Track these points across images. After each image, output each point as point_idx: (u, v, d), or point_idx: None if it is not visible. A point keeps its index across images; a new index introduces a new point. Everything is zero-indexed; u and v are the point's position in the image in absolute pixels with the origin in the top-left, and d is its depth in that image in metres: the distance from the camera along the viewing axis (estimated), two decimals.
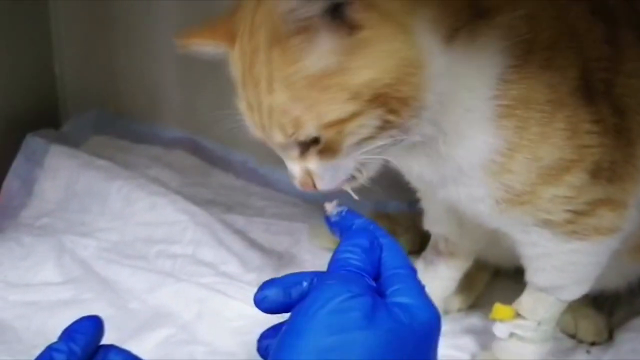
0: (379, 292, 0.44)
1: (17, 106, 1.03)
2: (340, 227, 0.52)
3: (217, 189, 1.05)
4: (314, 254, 0.88)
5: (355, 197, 0.57)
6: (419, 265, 0.75)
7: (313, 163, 0.53)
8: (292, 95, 0.49)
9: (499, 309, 0.65)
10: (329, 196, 0.55)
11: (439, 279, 0.74)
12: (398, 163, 0.60)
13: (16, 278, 0.79)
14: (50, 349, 0.44)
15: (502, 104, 0.53)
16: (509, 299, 0.66)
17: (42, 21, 1.10)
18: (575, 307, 0.71)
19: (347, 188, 0.56)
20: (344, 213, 0.52)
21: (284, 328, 0.42)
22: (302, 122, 0.49)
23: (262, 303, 0.47)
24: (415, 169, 0.60)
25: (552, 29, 0.53)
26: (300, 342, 0.39)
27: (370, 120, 0.49)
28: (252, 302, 0.48)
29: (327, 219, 0.53)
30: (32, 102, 1.08)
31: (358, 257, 0.46)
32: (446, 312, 0.78)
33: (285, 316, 0.45)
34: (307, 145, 0.52)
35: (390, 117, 0.49)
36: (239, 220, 0.95)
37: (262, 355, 0.48)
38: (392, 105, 0.49)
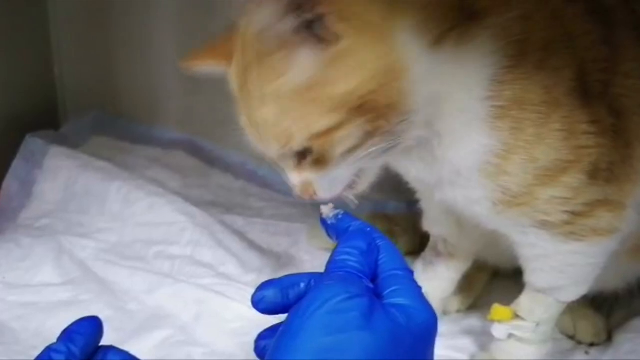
0: (376, 294, 0.44)
1: (16, 107, 1.03)
2: (336, 229, 0.52)
3: (216, 190, 1.06)
4: (312, 255, 0.88)
5: (356, 202, 0.58)
6: (418, 266, 0.75)
7: (310, 173, 0.54)
8: (280, 108, 0.50)
9: (498, 310, 0.65)
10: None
11: (438, 279, 0.74)
12: (396, 165, 0.60)
13: (15, 279, 0.79)
14: (49, 350, 0.44)
15: (496, 105, 0.53)
16: (508, 300, 0.65)
17: (42, 22, 1.11)
18: (574, 308, 0.71)
19: (349, 195, 0.57)
20: (340, 216, 0.52)
21: (281, 328, 0.42)
22: (292, 134, 0.51)
23: (260, 304, 0.47)
24: (413, 172, 0.60)
25: (546, 30, 0.53)
26: (298, 342, 0.39)
27: (357, 128, 0.50)
28: (250, 303, 0.48)
29: (324, 221, 0.53)
30: (32, 103, 1.08)
31: (356, 258, 0.46)
32: (445, 313, 0.78)
33: (282, 317, 0.45)
34: (303, 155, 0.53)
35: (378, 123, 0.50)
36: (238, 221, 0.95)
37: (259, 356, 0.48)
38: (378, 111, 0.49)
